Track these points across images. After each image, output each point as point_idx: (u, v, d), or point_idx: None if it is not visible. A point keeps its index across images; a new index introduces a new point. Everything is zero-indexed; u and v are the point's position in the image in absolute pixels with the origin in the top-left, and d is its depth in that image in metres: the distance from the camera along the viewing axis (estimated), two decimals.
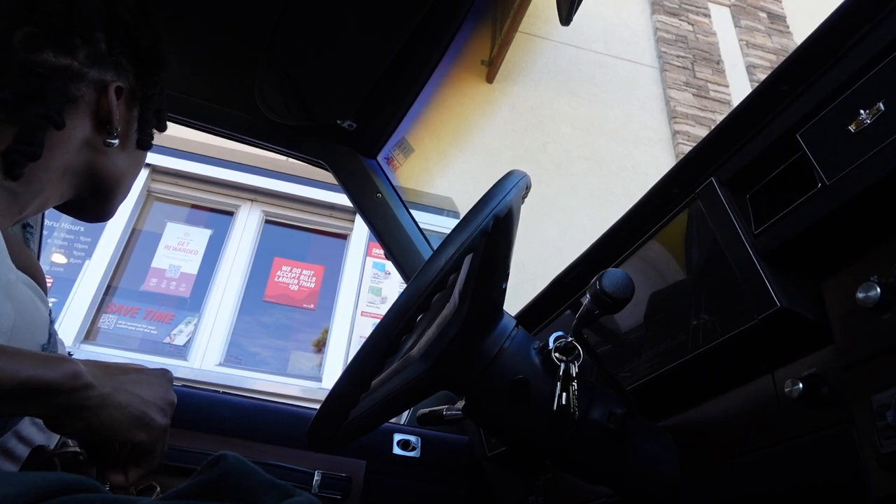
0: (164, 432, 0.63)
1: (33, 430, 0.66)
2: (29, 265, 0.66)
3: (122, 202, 0.84)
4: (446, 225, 3.87)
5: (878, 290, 0.54)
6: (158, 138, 0.88)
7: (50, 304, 0.68)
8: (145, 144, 0.81)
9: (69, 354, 0.75)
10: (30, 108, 0.65)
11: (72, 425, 0.56)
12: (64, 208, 0.80)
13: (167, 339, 4.04)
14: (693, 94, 5.19)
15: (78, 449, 0.67)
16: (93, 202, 0.79)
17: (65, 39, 0.69)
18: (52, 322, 0.66)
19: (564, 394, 0.74)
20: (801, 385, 0.61)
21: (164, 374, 0.67)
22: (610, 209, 4.02)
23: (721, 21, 5.85)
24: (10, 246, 0.61)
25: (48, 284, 0.76)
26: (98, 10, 0.73)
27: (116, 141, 0.74)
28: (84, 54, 0.71)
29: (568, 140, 4.76)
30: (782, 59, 0.71)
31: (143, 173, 4.30)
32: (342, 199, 3.99)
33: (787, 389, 0.63)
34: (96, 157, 0.75)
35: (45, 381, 0.52)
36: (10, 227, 0.69)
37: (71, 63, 0.69)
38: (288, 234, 4.66)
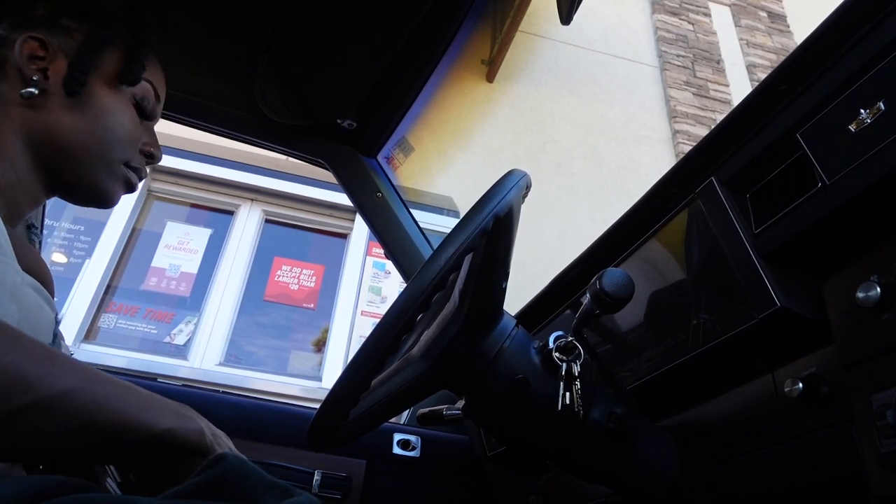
0: None
1: None
2: (36, 267, 0.66)
3: (106, 176, 0.78)
4: (446, 224, 3.87)
5: (878, 289, 0.54)
6: (158, 138, 0.87)
7: (56, 307, 0.68)
8: (70, 88, 0.75)
9: (70, 354, 0.75)
10: None
11: (170, 485, 0.50)
12: (61, 193, 0.78)
13: (167, 339, 4.04)
14: (693, 94, 5.19)
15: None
16: (66, 175, 0.76)
17: None
18: (57, 324, 0.66)
19: (568, 393, 0.74)
20: (801, 385, 0.61)
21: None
22: (610, 209, 4.02)
23: (721, 20, 5.85)
24: (16, 247, 0.61)
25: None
26: None
27: (32, 90, 0.71)
28: (9, 22, 0.72)
29: (568, 139, 4.76)
30: (782, 58, 0.71)
31: None
32: (342, 199, 3.99)
33: (787, 389, 0.63)
34: (34, 117, 0.72)
35: (178, 438, 0.51)
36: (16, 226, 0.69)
37: None
38: (288, 233, 4.66)
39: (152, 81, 0.83)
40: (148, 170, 0.86)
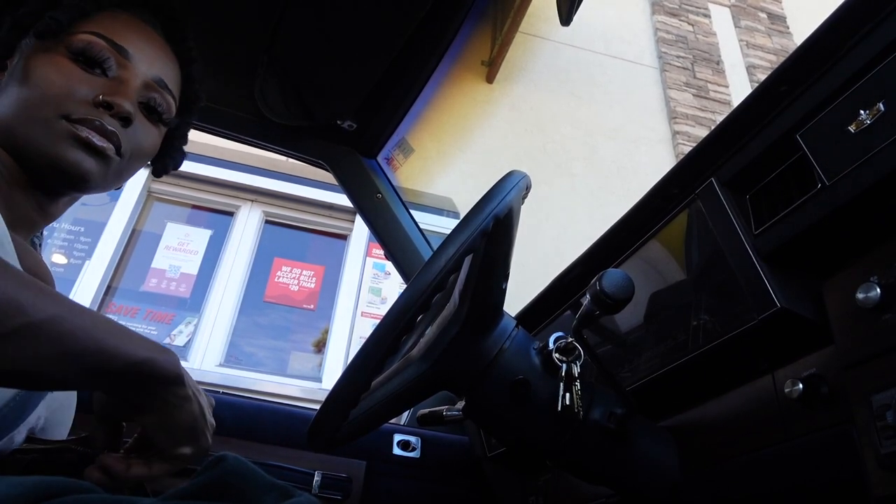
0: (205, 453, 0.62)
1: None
2: (37, 270, 0.66)
3: (41, 138, 0.70)
4: (446, 225, 3.87)
5: (878, 290, 0.54)
6: None
7: None
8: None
9: None
10: None
11: (149, 417, 0.56)
12: (32, 179, 0.73)
13: (167, 340, 4.04)
14: (693, 95, 5.19)
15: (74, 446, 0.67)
16: (15, 152, 0.71)
17: None
18: None
19: (568, 394, 0.74)
20: (801, 385, 0.61)
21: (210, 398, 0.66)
22: (610, 209, 4.02)
23: (721, 21, 5.85)
24: (17, 249, 0.61)
25: None
26: None
27: None
28: None
29: (568, 140, 4.76)
30: (782, 59, 0.71)
31: (143, 173, 4.30)
32: (342, 200, 3.99)
33: (787, 389, 0.63)
34: None
35: (157, 368, 0.54)
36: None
37: None
38: (288, 234, 4.66)
39: (100, 32, 0.76)
40: (117, 124, 0.75)
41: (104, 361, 0.51)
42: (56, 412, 0.70)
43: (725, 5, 5.99)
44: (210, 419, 0.63)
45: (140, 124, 0.79)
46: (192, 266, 4.35)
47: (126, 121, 0.75)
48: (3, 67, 0.75)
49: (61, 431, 0.72)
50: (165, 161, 0.96)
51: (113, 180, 0.78)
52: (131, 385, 0.54)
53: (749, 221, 0.75)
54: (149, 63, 0.80)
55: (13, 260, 0.58)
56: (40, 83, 0.71)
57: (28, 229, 0.75)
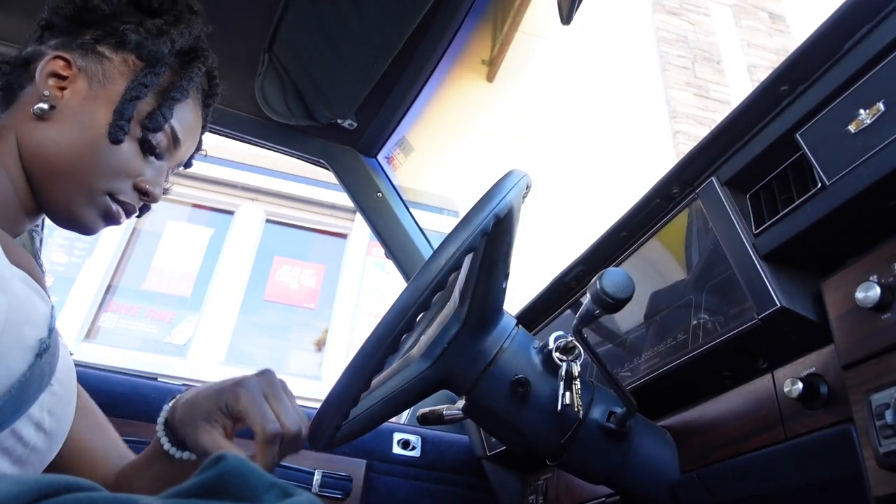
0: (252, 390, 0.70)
1: (31, 432, 0.66)
2: (25, 265, 0.66)
3: (83, 200, 0.75)
4: (446, 225, 3.88)
5: (878, 290, 0.54)
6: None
7: (52, 302, 0.68)
8: (114, 137, 0.74)
9: (70, 354, 0.75)
10: None
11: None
12: (43, 210, 0.77)
13: (168, 338, 4.04)
14: (693, 94, 5.19)
15: None
16: (44, 195, 0.75)
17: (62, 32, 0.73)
18: (53, 318, 0.66)
19: (568, 393, 0.74)
20: (800, 384, 0.61)
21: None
22: (609, 209, 4.01)
23: (721, 21, 5.85)
24: (6, 245, 0.61)
25: (49, 283, 0.76)
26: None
27: (43, 105, 0.72)
28: (59, 41, 0.74)
29: (568, 139, 4.76)
30: (782, 59, 0.71)
31: None
32: (343, 199, 3.99)
33: (786, 389, 0.63)
34: (34, 130, 0.73)
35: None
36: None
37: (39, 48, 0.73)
38: (288, 233, 4.66)
39: (172, 124, 0.80)
40: (145, 209, 0.83)
41: None
42: (56, 406, 0.70)
43: (726, 5, 5.99)
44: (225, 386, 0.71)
45: None
46: (193, 265, 4.35)
47: (152, 201, 0.82)
48: (118, 142, 0.76)
49: (63, 427, 0.72)
50: None
51: None
52: None
53: (749, 221, 0.75)
54: (188, 148, 0.86)
55: (0, 256, 0.58)
56: (107, 155, 0.74)
57: (19, 229, 0.76)
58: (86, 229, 0.78)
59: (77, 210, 0.75)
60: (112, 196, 0.76)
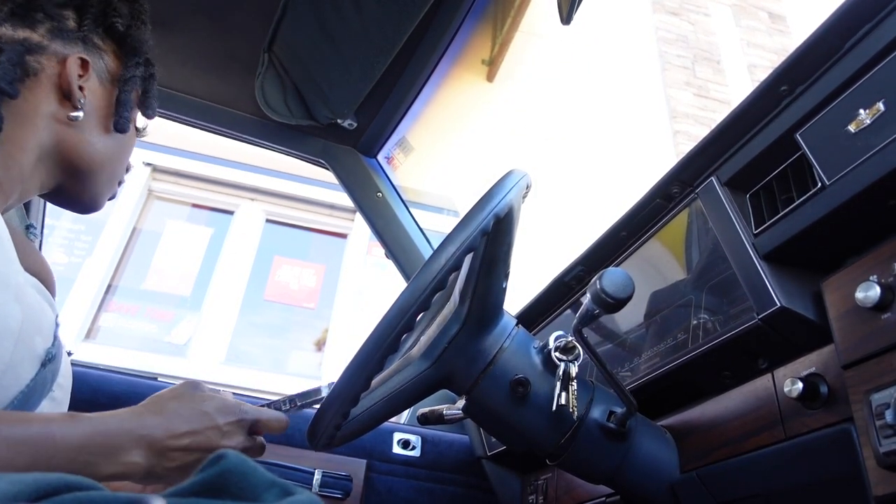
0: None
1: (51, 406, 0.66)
2: (38, 268, 0.66)
3: (107, 191, 0.82)
4: (446, 225, 3.88)
5: (878, 289, 0.54)
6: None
7: (56, 308, 0.68)
8: (121, 127, 0.79)
9: (69, 354, 0.75)
10: None
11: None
12: (49, 197, 0.79)
13: (168, 338, 4.04)
14: (693, 94, 5.19)
15: None
16: (72, 187, 0.77)
17: (25, 14, 0.71)
18: (56, 325, 0.66)
19: (564, 393, 0.75)
20: (800, 384, 0.61)
21: (190, 387, 0.69)
22: (609, 209, 4.02)
23: (721, 21, 5.85)
24: (18, 248, 0.61)
25: None
26: None
27: (80, 114, 0.73)
28: (46, 28, 0.72)
29: (568, 139, 4.76)
30: (782, 58, 0.71)
31: (144, 172, 4.31)
32: (343, 198, 3.99)
33: (786, 389, 0.63)
34: (67, 133, 0.73)
35: (119, 474, 0.58)
36: None
37: (30, 35, 0.70)
38: (288, 232, 4.66)
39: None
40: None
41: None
42: (55, 411, 0.70)
43: (726, 4, 5.99)
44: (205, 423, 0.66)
45: None
46: (193, 264, 4.35)
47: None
48: (123, 131, 0.81)
49: None
50: None
51: None
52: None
53: (749, 220, 0.75)
54: None
55: (14, 259, 0.58)
56: (129, 150, 0.84)
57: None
58: (96, 209, 0.84)
59: (101, 199, 0.82)
60: (120, 183, 0.85)
